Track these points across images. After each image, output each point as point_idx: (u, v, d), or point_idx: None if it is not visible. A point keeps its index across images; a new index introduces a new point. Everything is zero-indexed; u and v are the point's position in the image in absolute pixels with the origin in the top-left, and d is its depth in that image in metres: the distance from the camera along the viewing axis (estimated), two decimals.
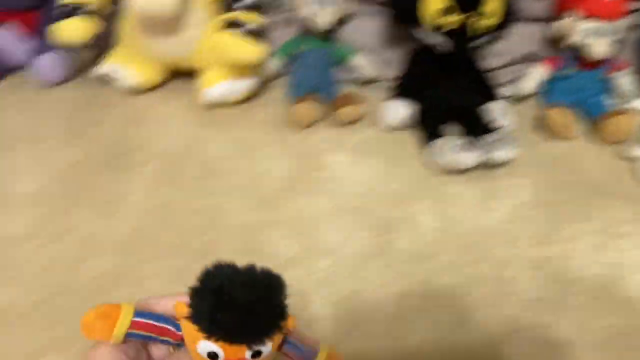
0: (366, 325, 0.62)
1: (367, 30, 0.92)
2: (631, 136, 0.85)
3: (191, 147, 0.82)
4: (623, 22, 0.85)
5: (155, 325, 0.37)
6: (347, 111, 0.83)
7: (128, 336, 0.36)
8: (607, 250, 0.71)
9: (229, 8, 0.77)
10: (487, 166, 0.79)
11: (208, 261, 0.65)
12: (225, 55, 0.76)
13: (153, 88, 0.90)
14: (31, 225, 0.70)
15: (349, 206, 0.75)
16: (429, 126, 0.82)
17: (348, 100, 0.84)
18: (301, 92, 0.85)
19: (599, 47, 0.82)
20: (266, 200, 0.75)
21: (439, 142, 0.78)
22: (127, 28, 0.84)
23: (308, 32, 0.86)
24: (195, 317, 0.34)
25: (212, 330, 0.33)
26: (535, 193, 0.78)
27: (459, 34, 0.78)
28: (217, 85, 0.83)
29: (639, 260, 0.70)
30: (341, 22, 0.86)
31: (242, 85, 0.84)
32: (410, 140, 0.85)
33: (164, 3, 0.73)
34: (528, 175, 0.80)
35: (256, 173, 0.78)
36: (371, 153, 0.82)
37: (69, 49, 0.89)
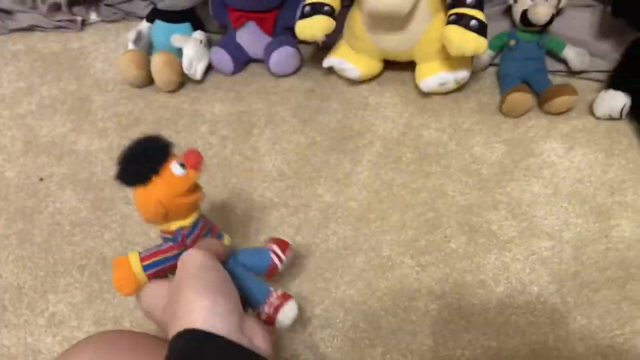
0: (588, 305, 0.66)
1: (579, 22, 0.93)
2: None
3: (408, 132, 0.89)
4: None
5: (160, 250, 0.51)
6: (559, 101, 0.86)
7: (146, 269, 0.50)
8: None
9: (453, 4, 0.83)
10: None
11: (434, 236, 0.73)
12: (451, 48, 0.82)
13: (371, 78, 0.99)
14: (278, 196, 0.82)
15: (566, 192, 0.78)
16: None
17: (560, 91, 0.86)
18: (515, 82, 0.89)
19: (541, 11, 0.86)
20: (483, 183, 0.80)
21: None
22: (354, 24, 0.93)
23: (521, 25, 0.89)
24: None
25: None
26: None
27: None
28: (434, 76, 0.90)
29: None
30: (555, 15, 0.88)
31: (457, 76, 0.90)
32: (625, 130, 0.86)
33: (400, 4, 0.81)
34: None
35: (471, 158, 0.84)
36: (585, 141, 0.84)
37: (300, 44, 1.00)
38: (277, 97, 0.98)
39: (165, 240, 0.53)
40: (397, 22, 0.87)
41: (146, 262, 0.50)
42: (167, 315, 0.42)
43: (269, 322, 0.49)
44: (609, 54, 0.92)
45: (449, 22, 0.82)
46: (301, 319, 0.67)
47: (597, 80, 0.93)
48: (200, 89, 1.01)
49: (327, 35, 0.88)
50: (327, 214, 0.79)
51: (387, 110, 0.93)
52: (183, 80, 1.01)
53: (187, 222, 0.53)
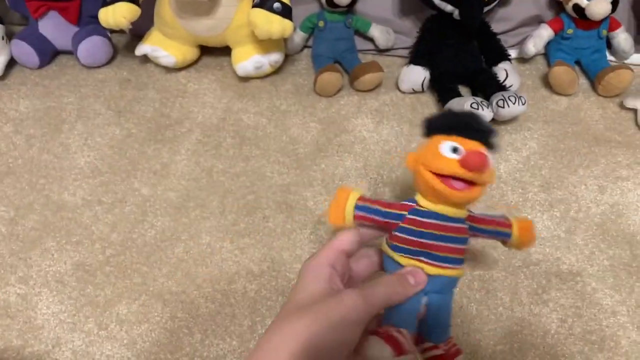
0: None
1: (382, 1, 0.98)
2: (629, 89, 0.92)
3: (227, 117, 0.89)
4: None
5: (379, 201, 0.48)
6: (367, 79, 0.90)
7: (356, 209, 0.47)
8: (609, 192, 0.79)
9: None
10: (499, 122, 0.87)
11: (253, 218, 0.74)
12: (257, 31, 0.83)
13: (189, 65, 0.97)
14: (91, 194, 0.78)
15: (375, 164, 0.83)
16: (443, 88, 0.89)
17: (367, 68, 0.90)
18: (324, 63, 0.92)
19: (598, 7, 0.89)
20: (300, 162, 0.83)
21: (454, 102, 0.85)
22: (163, 10, 0.90)
23: (327, 7, 0.92)
24: (437, 123, 0.47)
25: (449, 127, 0.45)
26: (542, 144, 0.86)
27: (468, 2, 0.85)
28: (248, 60, 0.90)
29: (638, 200, 0.78)
30: None
31: (271, 59, 0.91)
32: (427, 102, 0.92)
33: None
34: (536, 128, 0.88)
35: (289, 139, 0.86)
36: (392, 115, 0.90)
37: (108, 33, 0.96)
38: (89, 89, 0.93)
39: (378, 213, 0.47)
40: (203, 7, 0.86)
41: (360, 203, 0.47)
42: None
43: None
44: (411, 31, 0.99)
45: (253, 6, 0.83)
46: (117, 318, 0.65)
47: (403, 57, 0.99)
48: (2, 86, 0.93)
49: (135, 22, 0.86)
50: (145, 207, 0.77)
51: (206, 96, 0.93)
52: None
53: (430, 205, 0.46)
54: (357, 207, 0.47)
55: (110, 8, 0.83)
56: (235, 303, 0.67)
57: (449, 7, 0.86)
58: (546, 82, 0.95)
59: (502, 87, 0.88)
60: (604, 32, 0.95)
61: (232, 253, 0.72)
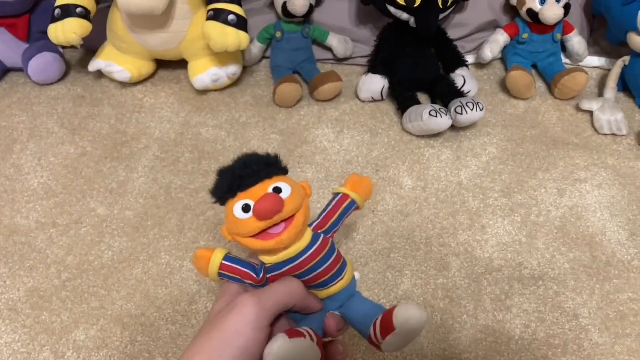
0: (360, 279, 0.70)
1: (339, 11, 0.98)
2: (585, 91, 0.94)
3: (185, 132, 0.88)
4: None
5: (240, 270, 0.45)
6: (326, 89, 0.90)
7: (220, 276, 0.44)
8: (568, 195, 0.80)
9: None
10: (458, 128, 0.87)
11: (214, 235, 0.72)
12: (212, 44, 0.81)
13: (145, 79, 0.95)
14: (45, 216, 0.76)
15: (337, 174, 0.82)
16: (403, 96, 0.89)
17: (326, 78, 0.90)
18: (283, 74, 0.92)
19: (551, 12, 0.90)
20: None
21: (413, 110, 0.85)
22: (115, 25, 0.88)
23: (284, 17, 0.92)
24: (217, 191, 0.44)
25: (228, 190, 0.42)
26: (502, 149, 0.86)
27: (423, 10, 0.85)
28: (205, 73, 0.89)
29: (597, 201, 0.79)
30: (314, 5, 0.92)
31: (229, 71, 0.90)
32: (387, 110, 0.92)
33: (152, 2, 0.78)
34: (495, 133, 0.89)
35: (249, 151, 0.85)
36: (353, 124, 0.90)
37: (60, 49, 0.94)
38: (41, 107, 0.91)
39: (249, 268, 0.45)
40: (156, 20, 0.84)
41: (222, 271, 0.44)
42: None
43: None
44: (369, 39, 0.99)
45: (207, 19, 0.82)
46: (74, 345, 0.63)
47: (362, 65, 0.99)
48: None
49: (87, 37, 0.83)
50: (101, 228, 0.75)
51: (163, 111, 0.91)
52: None
53: (272, 259, 0.44)
54: (220, 275, 0.45)
55: (59, 24, 0.81)
56: (197, 324, 0.66)
57: (405, 16, 0.86)
58: (504, 86, 0.96)
59: (460, 94, 0.88)
60: (558, 36, 0.96)
61: (192, 272, 0.70)
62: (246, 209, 0.42)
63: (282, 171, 0.44)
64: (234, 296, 0.42)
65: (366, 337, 0.44)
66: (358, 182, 0.51)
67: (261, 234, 0.42)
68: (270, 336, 0.40)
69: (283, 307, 0.42)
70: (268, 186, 0.42)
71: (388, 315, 0.41)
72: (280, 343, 0.37)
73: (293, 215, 0.42)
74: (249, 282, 0.45)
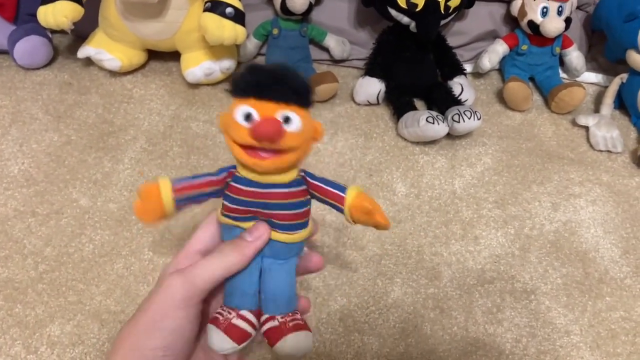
0: (349, 285, 0.68)
1: (339, 12, 0.96)
2: (581, 106, 0.93)
3: (174, 125, 0.85)
4: (572, 2, 0.93)
5: (195, 184, 0.40)
6: (321, 89, 0.88)
7: (177, 204, 0.39)
8: (562, 209, 0.79)
9: None
10: (453, 136, 0.86)
11: None
12: (208, 36, 0.79)
13: (135, 69, 0.93)
14: (25, 204, 0.73)
15: (329, 177, 0.80)
16: (399, 101, 0.88)
17: (322, 78, 0.88)
18: None
19: (552, 25, 0.89)
20: None
21: (409, 115, 0.84)
22: (108, 11, 0.86)
23: (282, 14, 0.90)
24: (235, 83, 0.38)
25: (245, 88, 0.38)
26: (497, 160, 0.85)
27: (424, 15, 0.84)
28: (198, 66, 0.87)
29: (590, 217, 0.78)
30: (314, 4, 0.90)
31: (222, 66, 0.88)
32: (382, 114, 0.91)
33: None
34: (490, 143, 0.87)
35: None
36: (347, 127, 0.88)
37: (49, 33, 0.90)
38: (25, 92, 0.87)
39: (205, 175, 0.41)
40: (151, 9, 0.82)
41: (179, 196, 0.39)
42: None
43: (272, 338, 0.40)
44: (367, 42, 0.97)
45: (204, 10, 0.80)
46: (48, 340, 0.60)
47: (358, 68, 0.98)
48: None
49: (78, 22, 0.81)
50: (83, 219, 0.72)
51: (152, 102, 0.88)
52: None
53: (245, 173, 0.39)
54: (177, 201, 0.40)
55: (50, 6, 0.78)
56: None
57: (405, 19, 0.85)
58: (500, 97, 0.95)
59: (457, 102, 0.87)
60: (557, 50, 0.96)
61: None
62: (248, 117, 0.38)
63: (305, 103, 0.40)
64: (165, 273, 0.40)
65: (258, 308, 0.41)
66: (360, 209, 0.43)
67: (248, 147, 0.38)
68: (207, 309, 0.40)
69: (217, 282, 0.39)
70: (280, 110, 0.38)
71: (274, 334, 0.40)
72: None
73: (283, 152, 0.39)
74: (212, 189, 0.41)
